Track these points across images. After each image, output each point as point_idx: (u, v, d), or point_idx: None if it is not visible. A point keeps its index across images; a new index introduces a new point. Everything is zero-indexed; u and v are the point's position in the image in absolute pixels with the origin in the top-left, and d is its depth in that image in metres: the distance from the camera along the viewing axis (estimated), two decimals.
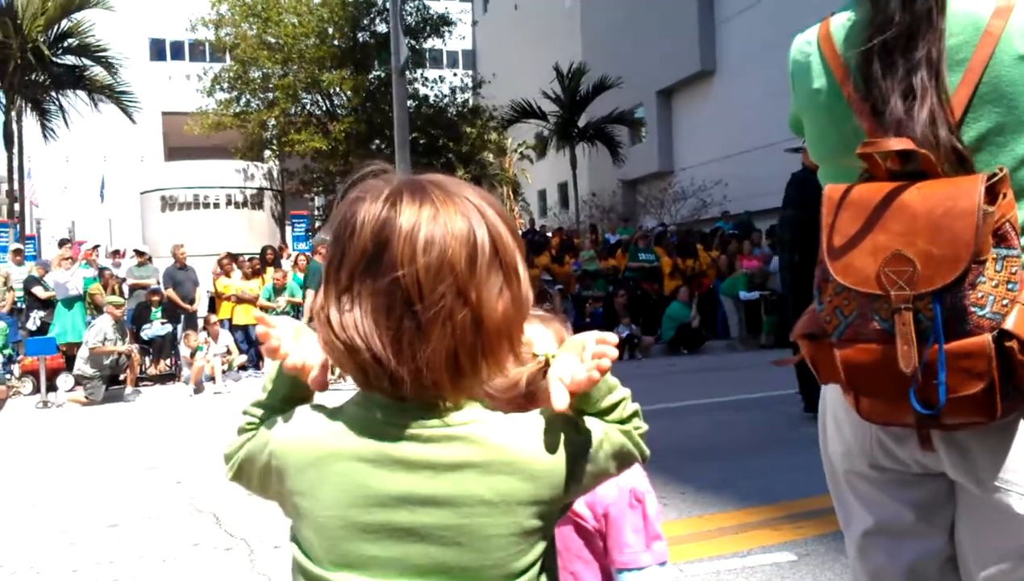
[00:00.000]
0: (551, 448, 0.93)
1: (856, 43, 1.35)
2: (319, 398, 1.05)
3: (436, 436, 0.91)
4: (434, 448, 0.91)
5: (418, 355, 0.87)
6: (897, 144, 1.23)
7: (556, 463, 0.93)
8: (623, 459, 1.00)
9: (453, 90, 23.34)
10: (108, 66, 19.93)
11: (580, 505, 1.39)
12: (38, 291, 12.09)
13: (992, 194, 1.20)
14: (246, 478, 1.03)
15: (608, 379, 0.98)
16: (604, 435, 0.98)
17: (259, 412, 1.04)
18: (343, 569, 0.92)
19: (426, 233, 0.88)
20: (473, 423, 0.92)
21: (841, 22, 1.41)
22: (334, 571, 0.93)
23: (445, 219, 0.89)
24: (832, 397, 1.48)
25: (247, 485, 1.04)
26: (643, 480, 1.44)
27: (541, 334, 1.34)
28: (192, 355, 11.04)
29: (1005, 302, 1.18)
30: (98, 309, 11.52)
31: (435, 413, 0.92)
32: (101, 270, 13.59)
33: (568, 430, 0.96)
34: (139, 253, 13.85)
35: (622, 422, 1.00)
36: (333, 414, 0.96)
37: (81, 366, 10.31)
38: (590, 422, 0.98)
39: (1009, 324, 1.16)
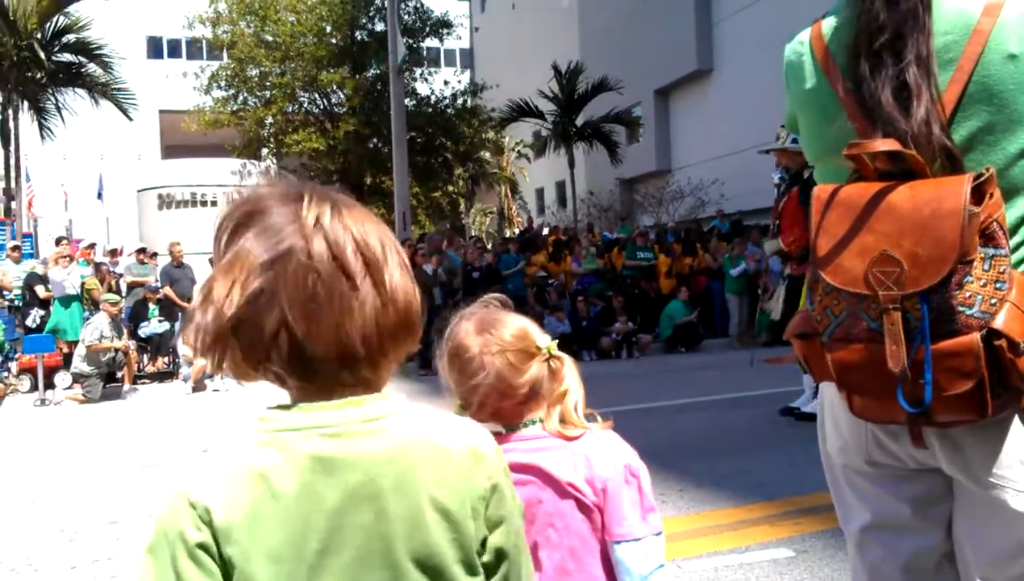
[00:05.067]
0: (467, 440, 0.97)
1: (844, 42, 1.36)
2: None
3: (367, 431, 0.91)
4: (364, 443, 0.91)
5: (349, 330, 0.89)
6: (884, 145, 1.24)
7: (474, 460, 0.96)
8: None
9: (454, 96, 23.32)
10: (105, 64, 19.86)
11: (580, 481, 1.45)
12: (39, 289, 12.06)
13: (978, 194, 1.20)
14: None
15: None
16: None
17: None
18: None
19: (344, 225, 0.92)
20: (394, 415, 0.93)
21: (831, 23, 1.42)
22: None
23: (356, 213, 0.94)
24: (830, 394, 1.49)
25: None
26: (635, 457, 1.51)
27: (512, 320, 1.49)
28: (195, 354, 11.02)
29: (994, 301, 1.18)
30: (95, 304, 11.51)
31: (361, 408, 0.92)
32: (97, 265, 13.59)
33: (489, 439, 1.01)
34: (142, 251, 13.84)
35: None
36: (253, 449, 0.90)
37: (79, 364, 10.32)
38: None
39: (998, 323, 1.17)
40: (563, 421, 1.48)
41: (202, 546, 0.86)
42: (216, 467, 0.90)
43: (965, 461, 1.32)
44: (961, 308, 1.19)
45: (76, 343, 10.78)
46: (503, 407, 1.48)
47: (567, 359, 1.51)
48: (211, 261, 0.96)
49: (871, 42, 1.30)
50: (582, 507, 1.45)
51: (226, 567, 0.87)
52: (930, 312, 1.19)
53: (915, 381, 1.21)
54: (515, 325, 1.49)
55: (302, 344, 0.88)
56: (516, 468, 1.46)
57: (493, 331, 1.46)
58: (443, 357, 1.49)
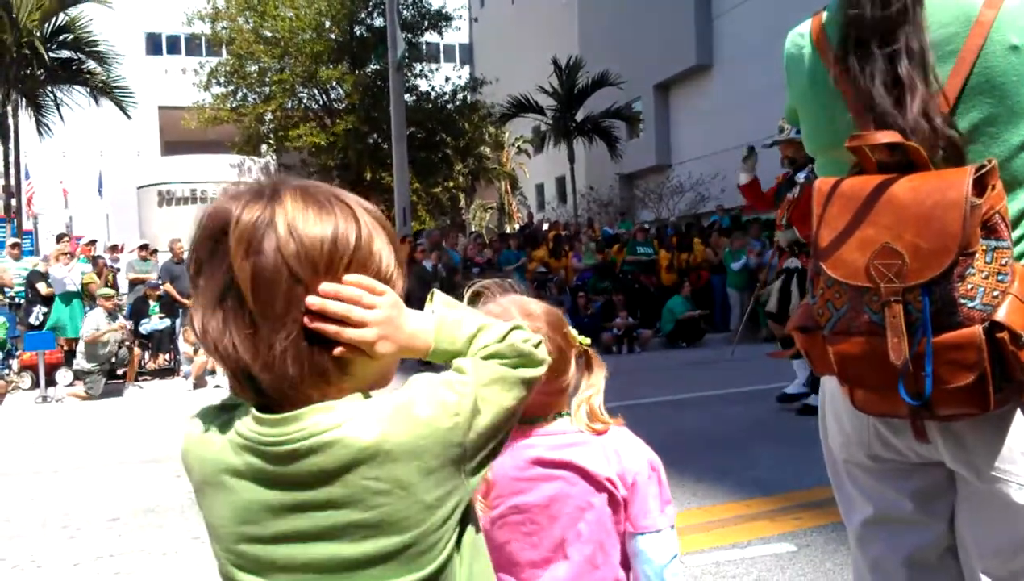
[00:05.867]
0: (422, 419, 0.91)
1: (836, 36, 1.35)
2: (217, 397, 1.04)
3: (314, 446, 0.88)
4: (312, 460, 0.89)
5: (274, 349, 0.88)
6: (885, 137, 1.23)
7: (434, 429, 0.91)
8: (520, 380, 0.98)
9: (454, 91, 23.30)
10: (103, 60, 19.82)
11: (613, 475, 1.44)
12: (41, 286, 12.04)
13: (980, 186, 1.20)
14: None
15: (449, 321, 0.99)
16: (475, 372, 0.95)
17: None
18: (253, 575, 0.93)
19: (278, 240, 0.88)
20: (342, 425, 0.89)
21: (831, 16, 1.41)
22: (247, 575, 0.94)
23: (310, 213, 0.90)
24: (831, 388, 1.49)
25: None
26: (652, 452, 1.51)
27: (503, 315, 1.34)
28: (195, 351, 11.04)
29: (996, 293, 1.18)
30: (95, 299, 11.52)
31: (303, 422, 0.90)
32: (94, 258, 13.59)
33: (437, 389, 0.93)
34: (143, 248, 13.84)
35: (500, 342, 0.99)
36: (222, 425, 0.96)
37: (80, 361, 10.33)
38: (459, 366, 0.96)
39: (1000, 315, 1.17)
40: (589, 416, 1.47)
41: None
42: (200, 443, 0.98)
43: (967, 455, 1.32)
44: (963, 300, 1.18)
45: (77, 340, 10.79)
46: (533, 398, 1.46)
47: (596, 355, 1.51)
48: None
49: (858, 36, 1.29)
50: (613, 502, 1.45)
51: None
52: (932, 304, 1.19)
53: (916, 374, 1.20)
54: (552, 312, 1.46)
55: (245, 366, 0.90)
56: (544, 464, 1.43)
57: (534, 315, 1.41)
58: None
